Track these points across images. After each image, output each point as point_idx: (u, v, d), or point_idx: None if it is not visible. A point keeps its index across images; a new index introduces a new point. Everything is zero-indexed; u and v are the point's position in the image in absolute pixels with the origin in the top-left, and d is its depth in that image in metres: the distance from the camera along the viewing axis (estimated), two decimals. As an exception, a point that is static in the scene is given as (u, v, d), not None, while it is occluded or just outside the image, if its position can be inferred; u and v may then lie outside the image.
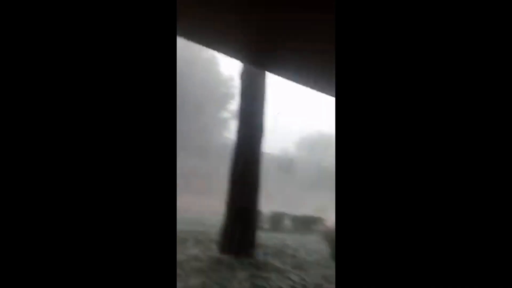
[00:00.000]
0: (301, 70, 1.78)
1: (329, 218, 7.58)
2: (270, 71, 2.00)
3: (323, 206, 10.63)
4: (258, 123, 4.47)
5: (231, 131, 4.76)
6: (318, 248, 5.21)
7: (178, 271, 2.83)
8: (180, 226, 5.17)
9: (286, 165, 13.80)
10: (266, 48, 1.65)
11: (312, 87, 1.99)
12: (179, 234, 4.45)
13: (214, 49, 1.76)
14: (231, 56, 1.80)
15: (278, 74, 1.88)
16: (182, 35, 1.56)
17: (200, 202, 8.54)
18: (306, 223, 8.16)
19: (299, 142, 18.45)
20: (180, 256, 3.39)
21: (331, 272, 3.86)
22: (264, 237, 5.66)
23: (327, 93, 2.01)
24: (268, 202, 9.31)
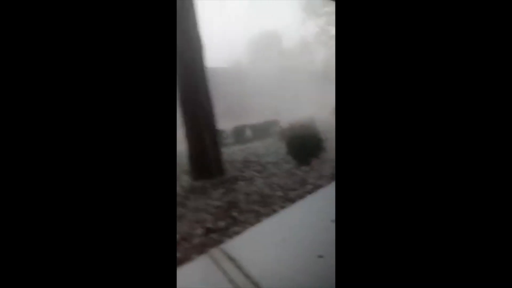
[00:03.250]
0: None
1: (282, 120, 8.23)
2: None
3: (276, 109, 11.31)
4: (195, 38, 4.24)
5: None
6: (276, 148, 5.91)
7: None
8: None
9: (238, 76, 13.62)
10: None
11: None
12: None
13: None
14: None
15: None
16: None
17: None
18: (264, 129, 8.83)
19: (247, 50, 17.72)
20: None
21: (289, 166, 4.57)
22: (229, 152, 6.19)
23: None
24: (229, 118, 9.61)
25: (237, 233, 2.31)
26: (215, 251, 1.94)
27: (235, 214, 2.81)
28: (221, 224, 2.62)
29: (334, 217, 1.90)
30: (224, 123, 8.68)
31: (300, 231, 2.09)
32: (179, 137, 4.67)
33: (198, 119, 4.32)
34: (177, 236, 2.37)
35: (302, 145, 4.54)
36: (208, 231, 2.48)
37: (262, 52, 16.93)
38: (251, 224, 2.47)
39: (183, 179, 4.24)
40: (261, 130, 8.81)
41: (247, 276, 1.61)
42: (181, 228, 2.56)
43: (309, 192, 3.16)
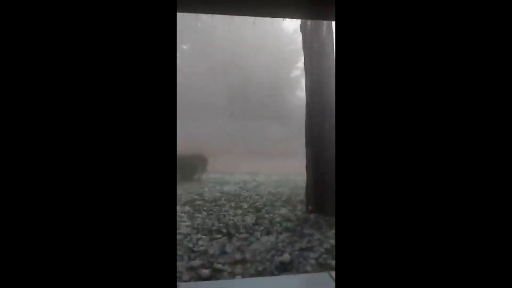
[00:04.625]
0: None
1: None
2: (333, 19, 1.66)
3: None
4: (329, 80, 4.48)
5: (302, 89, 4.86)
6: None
7: (271, 229, 3.43)
8: (268, 188, 5.86)
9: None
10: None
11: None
12: (268, 196, 5.13)
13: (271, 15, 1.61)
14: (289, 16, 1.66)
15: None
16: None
17: (283, 164, 9.10)
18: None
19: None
20: (271, 215, 4.01)
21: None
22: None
23: None
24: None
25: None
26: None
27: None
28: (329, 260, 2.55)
29: None
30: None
31: None
32: (296, 167, 4.94)
33: (321, 154, 4.44)
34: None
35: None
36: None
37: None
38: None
39: (299, 208, 4.38)
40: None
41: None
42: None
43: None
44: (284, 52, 15.47)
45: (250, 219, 3.81)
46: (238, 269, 2.43)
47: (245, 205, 4.52)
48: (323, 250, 2.84)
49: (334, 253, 2.81)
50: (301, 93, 5.30)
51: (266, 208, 4.39)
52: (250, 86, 15.12)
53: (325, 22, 4.57)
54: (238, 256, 2.67)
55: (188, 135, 8.31)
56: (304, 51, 4.72)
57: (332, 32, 4.63)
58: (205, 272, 2.37)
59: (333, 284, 1.81)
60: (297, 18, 1.83)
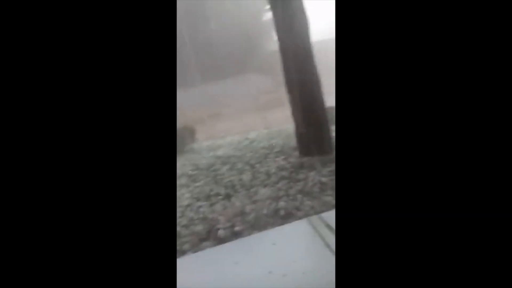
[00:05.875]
0: None
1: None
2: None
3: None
4: (298, 12, 4.19)
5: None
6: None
7: (268, 181, 3.46)
8: (261, 143, 5.87)
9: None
10: None
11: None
12: (261, 150, 5.15)
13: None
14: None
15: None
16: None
17: (273, 115, 9.04)
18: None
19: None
20: (267, 168, 4.05)
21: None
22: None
23: None
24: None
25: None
26: (314, 218, 2.07)
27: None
28: (326, 198, 2.62)
29: None
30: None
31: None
32: (287, 116, 4.89)
33: (304, 98, 4.33)
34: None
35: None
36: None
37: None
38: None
39: (293, 155, 4.41)
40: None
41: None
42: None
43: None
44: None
45: (246, 176, 3.84)
46: (238, 224, 2.50)
47: (239, 165, 4.54)
48: (316, 189, 2.90)
49: (327, 186, 2.89)
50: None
51: (261, 162, 4.41)
52: (219, 39, 14.23)
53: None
54: (237, 212, 2.74)
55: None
56: None
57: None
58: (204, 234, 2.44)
59: (312, 230, 1.93)
60: None
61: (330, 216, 2.10)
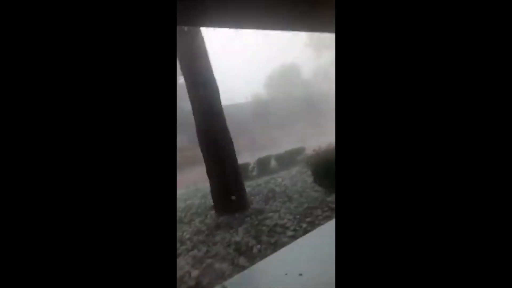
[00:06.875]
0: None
1: (308, 146, 8.15)
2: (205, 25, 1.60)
3: (302, 137, 11.27)
4: (208, 81, 4.52)
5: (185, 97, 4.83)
6: (301, 177, 5.80)
7: (188, 246, 3.23)
8: (178, 204, 5.54)
9: (259, 110, 13.98)
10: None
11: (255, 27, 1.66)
12: (178, 213, 4.83)
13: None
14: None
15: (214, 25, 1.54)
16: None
17: (191, 174, 8.83)
18: (289, 158, 8.78)
19: (266, 83, 18.43)
20: (180, 234, 3.78)
21: (317, 195, 4.43)
22: (254, 184, 6.18)
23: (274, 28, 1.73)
24: (253, 151, 9.71)
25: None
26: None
27: (255, 249, 2.75)
28: (242, 261, 2.56)
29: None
30: (249, 156, 8.79)
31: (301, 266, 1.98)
32: (203, 175, 4.86)
33: (218, 157, 4.45)
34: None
35: (329, 170, 4.42)
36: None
37: (282, 84, 17.40)
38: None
39: (209, 216, 4.28)
40: (287, 159, 8.76)
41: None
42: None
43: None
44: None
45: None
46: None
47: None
48: (230, 251, 2.83)
49: (241, 248, 2.84)
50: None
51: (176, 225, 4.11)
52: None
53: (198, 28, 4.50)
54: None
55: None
56: (179, 57, 4.59)
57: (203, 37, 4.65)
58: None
59: None
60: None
61: (232, 283, 2.03)
